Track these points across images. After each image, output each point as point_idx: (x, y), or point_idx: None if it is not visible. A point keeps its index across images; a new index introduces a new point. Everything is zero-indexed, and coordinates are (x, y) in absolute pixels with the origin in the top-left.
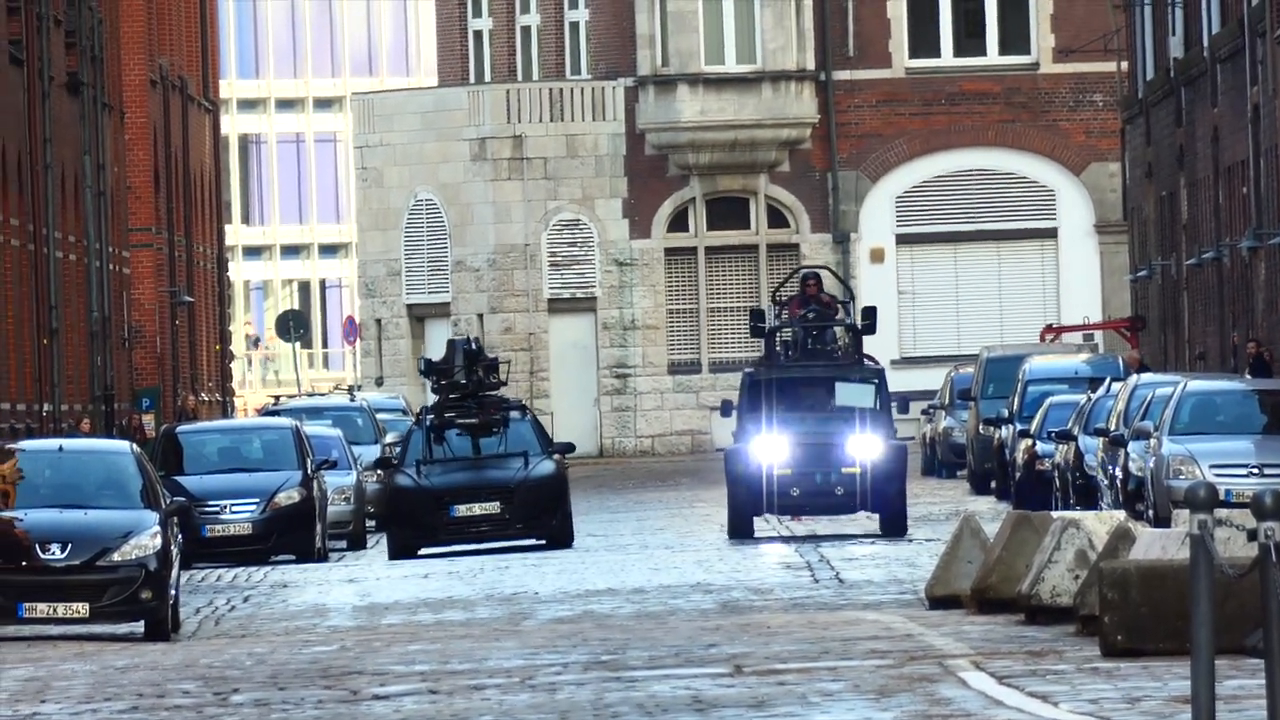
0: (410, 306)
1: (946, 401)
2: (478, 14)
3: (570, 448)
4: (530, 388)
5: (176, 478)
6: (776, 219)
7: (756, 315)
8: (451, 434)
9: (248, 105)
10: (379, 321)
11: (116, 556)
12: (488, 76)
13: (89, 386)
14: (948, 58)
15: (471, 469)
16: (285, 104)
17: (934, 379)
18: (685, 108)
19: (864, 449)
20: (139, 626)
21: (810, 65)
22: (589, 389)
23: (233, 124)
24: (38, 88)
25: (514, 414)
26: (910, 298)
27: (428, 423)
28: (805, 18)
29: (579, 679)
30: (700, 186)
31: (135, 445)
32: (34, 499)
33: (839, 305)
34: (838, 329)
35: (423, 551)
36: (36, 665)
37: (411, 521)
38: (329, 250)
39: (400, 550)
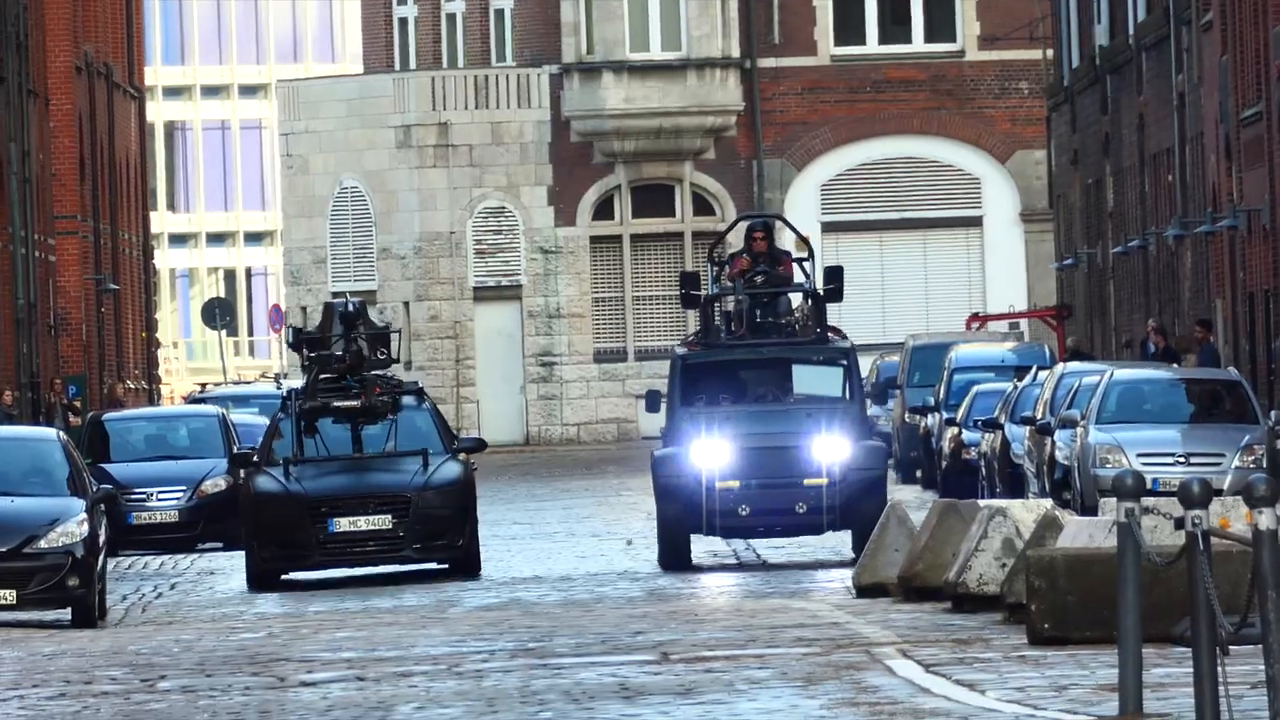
0: (335, 294)
1: (872, 390)
2: (402, 1)
3: (480, 445)
4: (456, 376)
5: (103, 465)
6: (702, 206)
7: (688, 280)
8: (327, 424)
9: (173, 92)
10: (304, 309)
11: (43, 544)
12: (413, 63)
13: (14, 373)
14: (873, 45)
15: (355, 471)
16: (211, 90)
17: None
18: (610, 95)
19: (831, 451)
20: (66, 614)
21: (735, 53)
22: (515, 377)
23: (158, 111)
24: None
25: (408, 400)
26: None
27: (295, 409)
28: (730, 5)
29: (506, 666)
30: (625, 174)
31: (62, 433)
32: None
33: (794, 264)
34: (794, 295)
35: (289, 576)
36: None
37: (277, 538)
38: (254, 238)
39: (262, 576)
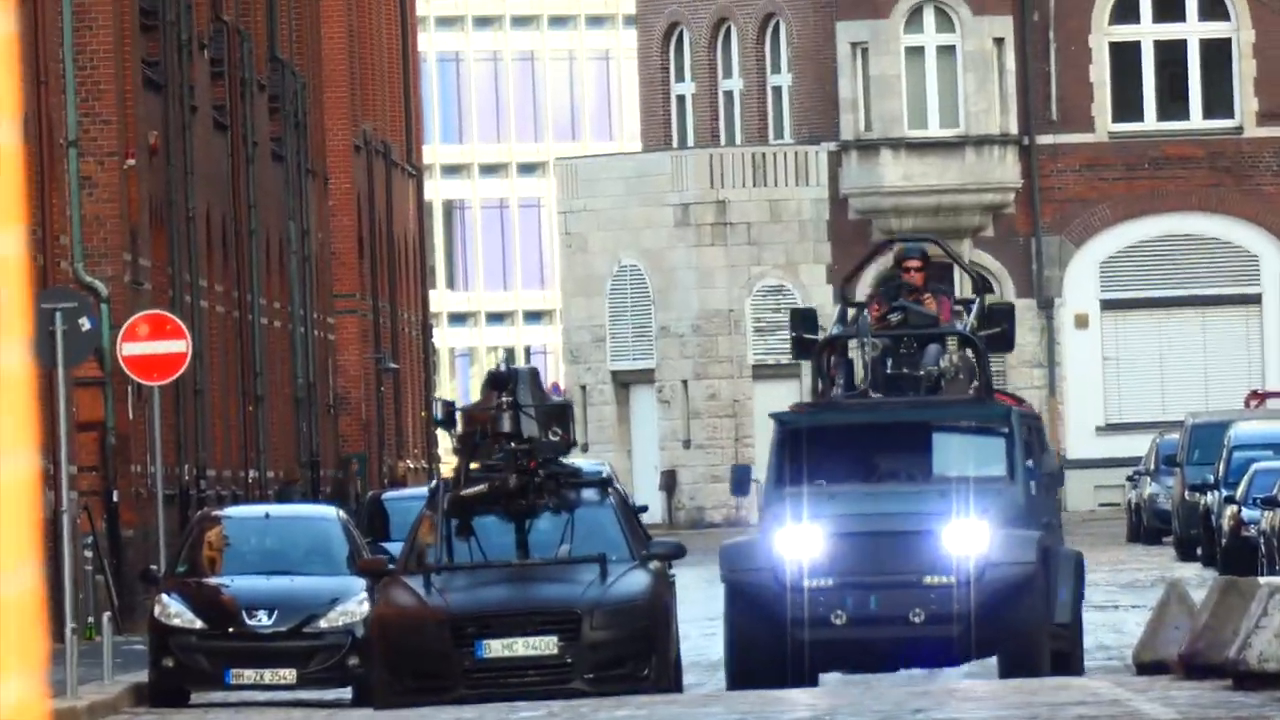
0: (615, 373)
1: (1152, 468)
2: (680, 79)
3: (679, 551)
4: (735, 454)
5: (383, 544)
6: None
7: (801, 320)
8: (483, 521)
9: (451, 170)
10: (584, 388)
11: (323, 623)
12: (691, 141)
13: (294, 453)
14: (1151, 122)
15: (515, 581)
16: (489, 169)
17: (1139, 445)
18: (888, 172)
19: (966, 541)
20: (346, 693)
21: (1013, 129)
22: None
23: (436, 189)
24: (242, 153)
25: (588, 493)
26: (1115, 364)
27: (444, 503)
28: (1008, 82)
29: None
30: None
31: (342, 512)
32: (241, 565)
33: (948, 303)
34: (947, 342)
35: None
36: None
37: (411, 665)
38: (534, 316)
39: (393, 705)
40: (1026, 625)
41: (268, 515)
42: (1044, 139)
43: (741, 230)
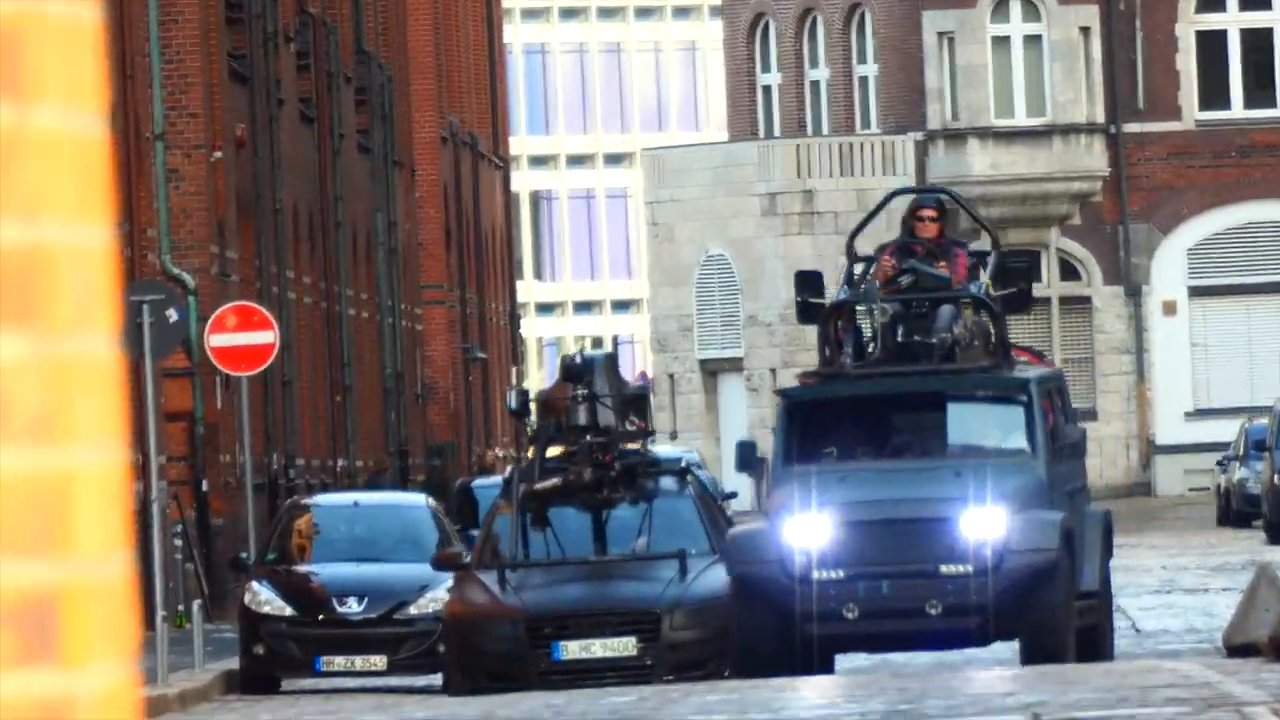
0: (703, 362)
1: (1241, 453)
2: (767, 69)
3: None
4: None
5: (473, 531)
6: (1068, 272)
7: (806, 282)
8: (559, 515)
9: (538, 161)
10: (672, 376)
11: (413, 610)
12: (777, 131)
13: (383, 442)
14: (1238, 109)
15: (594, 579)
16: (576, 160)
17: (1228, 430)
18: (976, 161)
19: (984, 526)
20: (437, 679)
21: (1100, 118)
22: None
23: (523, 180)
24: (328, 145)
25: (666, 483)
26: (1203, 350)
27: (518, 495)
28: (1095, 70)
29: None
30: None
31: (431, 500)
32: (330, 553)
33: (964, 259)
34: (960, 305)
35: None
36: (335, 717)
37: (486, 666)
38: (621, 306)
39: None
40: (1049, 614)
41: (357, 503)
42: (1131, 127)
43: (829, 219)
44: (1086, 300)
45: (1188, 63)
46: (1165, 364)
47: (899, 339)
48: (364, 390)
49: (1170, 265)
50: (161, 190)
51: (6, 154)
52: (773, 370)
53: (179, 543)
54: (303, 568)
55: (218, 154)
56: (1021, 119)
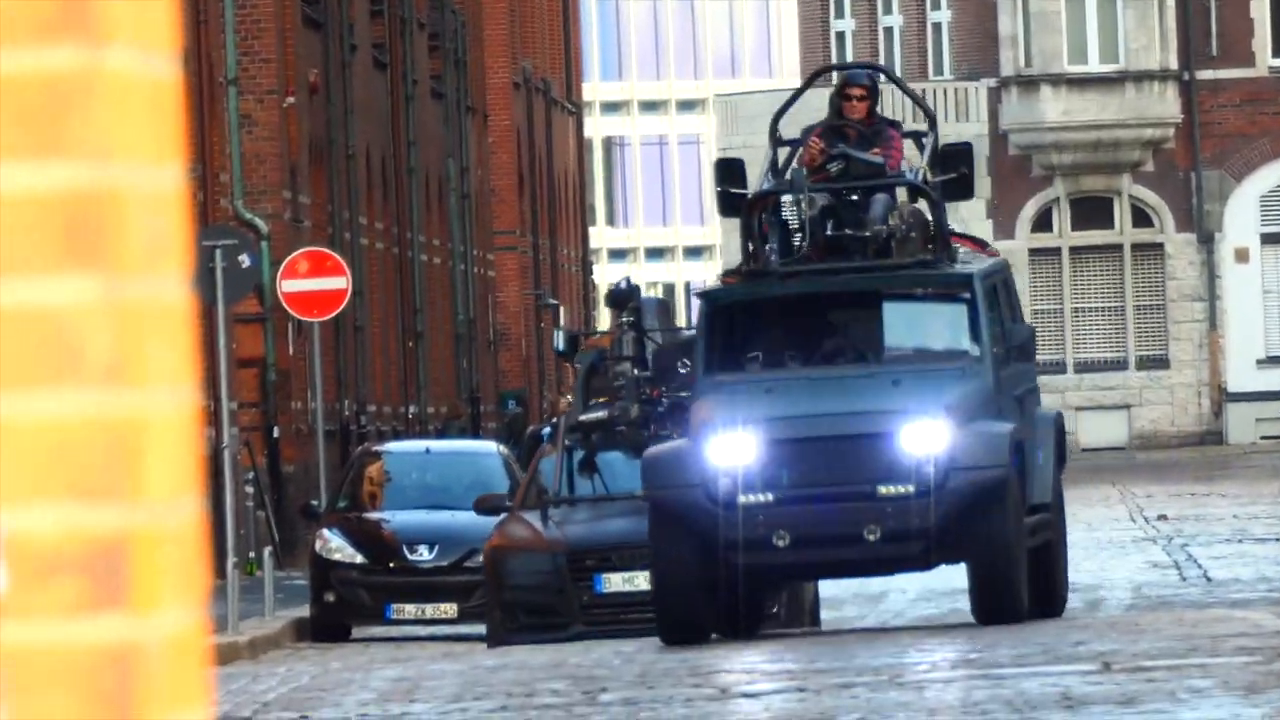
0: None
1: None
2: (840, 15)
3: None
4: None
5: None
6: (1141, 219)
7: (727, 170)
8: (605, 454)
9: (611, 108)
10: None
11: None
12: None
13: (454, 389)
14: None
15: (636, 514)
16: (648, 106)
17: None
18: (1049, 108)
19: (926, 441)
20: None
21: (1173, 65)
22: None
23: (596, 126)
24: (401, 91)
25: None
26: (1276, 297)
27: (564, 433)
28: (1168, 17)
29: (947, 677)
30: (1064, 187)
31: (502, 447)
32: (401, 500)
33: (899, 141)
34: (896, 194)
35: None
36: (405, 665)
37: (525, 600)
38: (693, 252)
39: (504, 643)
40: (998, 537)
41: (428, 450)
42: (1204, 74)
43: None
44: (1159, 247)
45: (1261, 9)
46: (1237, 311)
47: (829, 232)
48: (436, 336)
49: (1243, 212)
50: (234, 135)
51: (79, 96)
52: None
53: (250, 490)
54: (373, 515)
55: (291, 99)
56: (1094, 65)
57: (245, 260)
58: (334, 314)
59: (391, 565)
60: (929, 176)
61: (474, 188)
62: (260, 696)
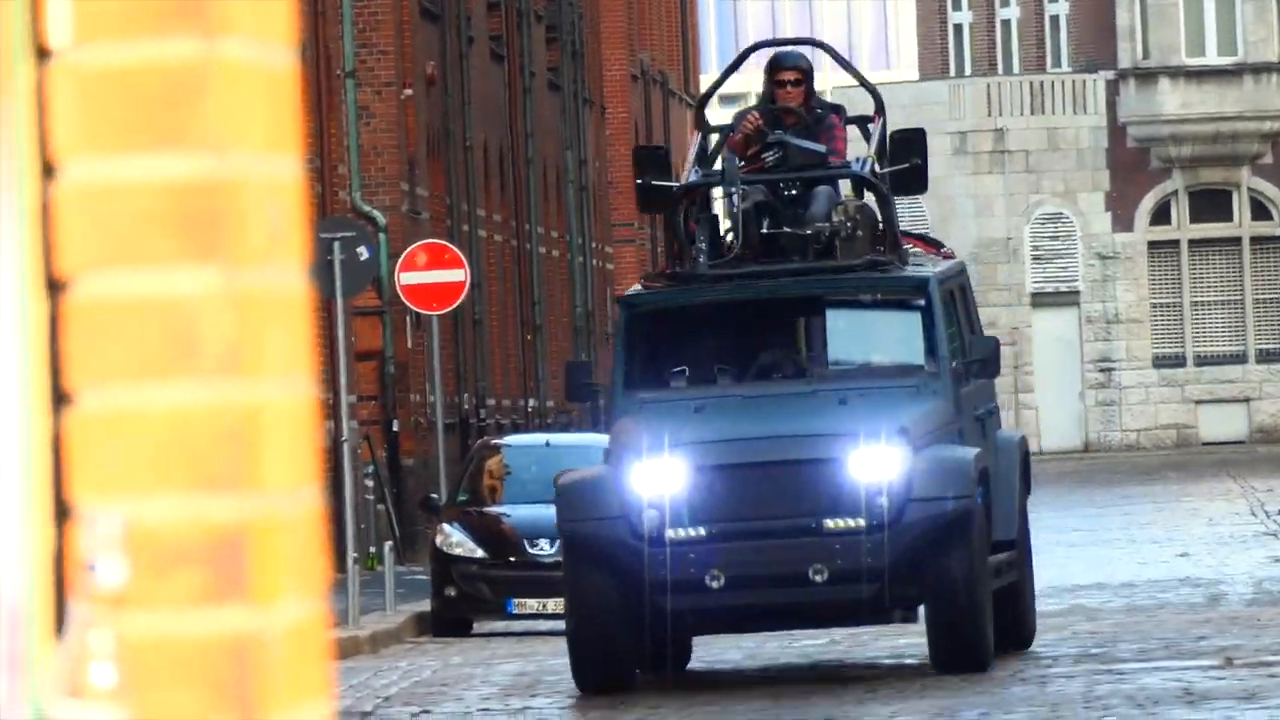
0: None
1: None
2: (957, 8)
3: None
4: (1015, 382)
5: None
6: (1259, 211)
7: (647, 160)
8: None
9: (729, 100)
10: None
11: None
12: (968, 70)
13: None
14: None
15: None
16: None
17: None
18: (1167, 100)
19: (878, 467)
20: None
21: None
22: (1073, 383)
23: (713, 118)
24: (519, 83)
25: None
26: None
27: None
28: None
29: (1069, 672)
30: (1182, 179)
31: None
32: (522, 494)
33: (841, 130)
34: (839, 187)
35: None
36: (526, 660)
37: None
38: None
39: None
40: (961, 579)
41: (548, 443)
42: None
43: (1019, 158)
44: (1278, 240)
45: None
46: None
47: (765, 230)
48: (555, 329)
49: None
50: (352, 128)
51: (198, 87)
52: None
53: (369, 484)
54: (494, 509)
55: (408, 91)
56: (1212, 58)
57: (363, 253)
58: (452, 307)
59: (512, 559)
60: (877, 167)
61: (592, 180)
62: (381, 691)
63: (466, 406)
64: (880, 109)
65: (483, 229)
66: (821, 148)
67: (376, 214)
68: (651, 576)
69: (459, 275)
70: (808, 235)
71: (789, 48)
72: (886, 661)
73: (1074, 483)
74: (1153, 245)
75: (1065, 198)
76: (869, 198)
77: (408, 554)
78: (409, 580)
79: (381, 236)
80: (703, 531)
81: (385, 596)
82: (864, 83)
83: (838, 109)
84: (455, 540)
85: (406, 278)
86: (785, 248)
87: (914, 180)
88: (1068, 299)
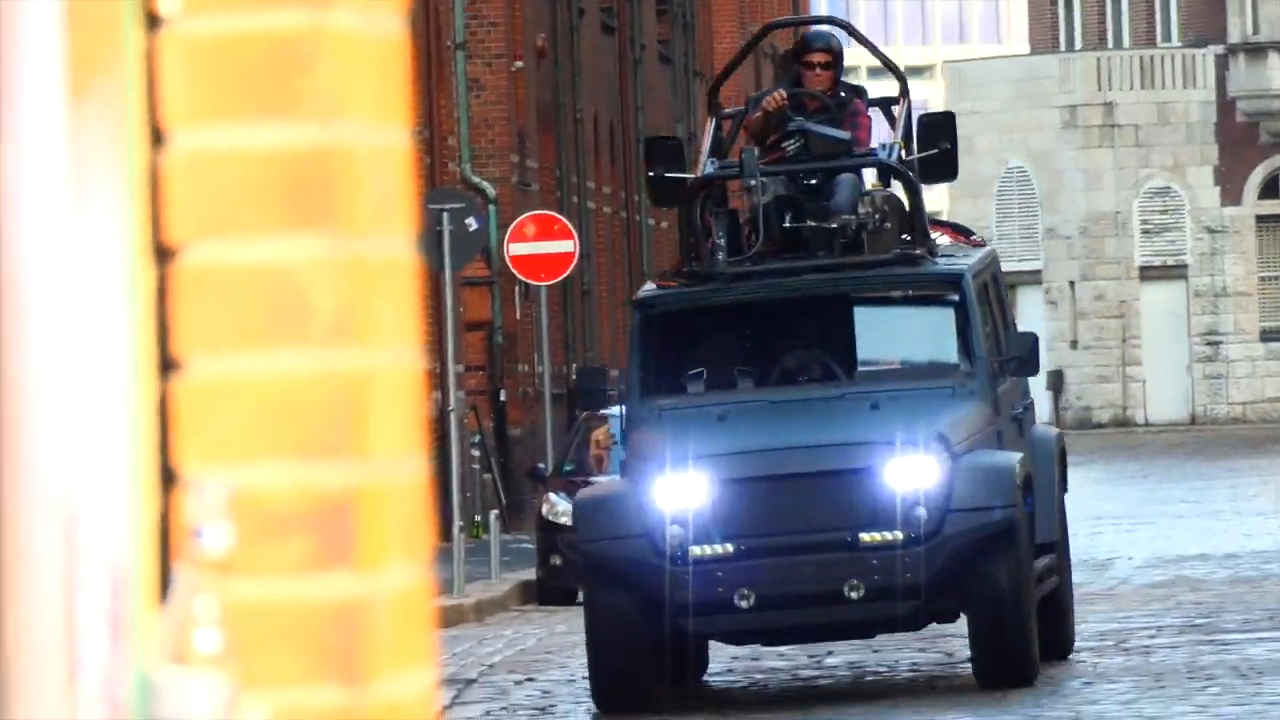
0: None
1: None
2: None
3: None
4: (1122, 355)
5: None
6: None
7: (659, 151)
8: None
9: None
10: None
11: None
12: (1078, 44)
13: None
14: None
15: None
16: (876, 72)
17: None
18: (1276, 75)
19: (913, 476)
20: None
21: None
22: (1181, 356)
23: None
24: (629, 56)
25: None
26: None
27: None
28: None
29: (1173, 642)
30: None
31: None
32: None
33: (866, 118)
34: (864, 173)
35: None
36: None
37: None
38: None
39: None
40: (1009, 591)
41: None
42: None
43: (1129, 132)
44: None
45: None
46: None
47: (786, 224)
48: None
49: None
50: (462, 99)
51: (307, 56)
52: (1071, 283)
53: (476, 453)
54: (600, 479)
55: (519, 64)
56: None
57: (472, 224)
58: (561, 277)
59: None
60: (904, 154)
61: None
62: (486, 659)
63: (574, 377)
64: (905, 91)
65: (592, 201)
66: (846, 135)
67: (486, 185)
68: (675, 597)
69: (568, 246)
70: (833, 229)
71: (818, 27)
72: (926, 668)
73: (1181, 455)
74: (1261, 219)
75: (1174, 172)
76: (896, 187)
77: (514, 523)
78: (515, 549)
79: (491, 208)
80: (730, 548)
81: (491, 565)
82: (887, 62)
83: (860, 92)
84: (561, 510)
85: (515, 248)
86: (809, 242)
87: (944, 167)
88: (1176, 272)
